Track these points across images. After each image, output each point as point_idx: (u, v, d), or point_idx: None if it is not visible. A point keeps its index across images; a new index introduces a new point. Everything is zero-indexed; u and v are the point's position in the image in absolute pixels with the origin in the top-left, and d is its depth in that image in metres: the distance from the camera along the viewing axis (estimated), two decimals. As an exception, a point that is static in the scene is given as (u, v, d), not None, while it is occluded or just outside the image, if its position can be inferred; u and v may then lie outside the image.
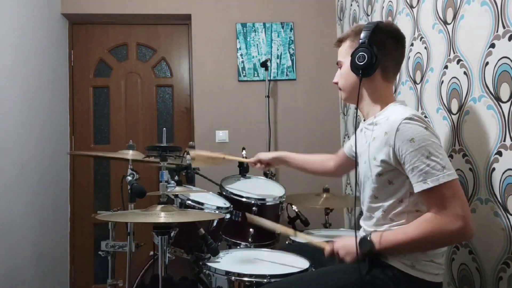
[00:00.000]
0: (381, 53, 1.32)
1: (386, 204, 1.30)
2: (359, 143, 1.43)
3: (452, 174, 1.17)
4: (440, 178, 1.15)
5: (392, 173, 1.27)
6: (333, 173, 1.88)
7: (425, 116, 1.89)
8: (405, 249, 1.25)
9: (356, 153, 1.38)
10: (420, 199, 1.25)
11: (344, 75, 1.43)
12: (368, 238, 1.27)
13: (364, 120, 1.47)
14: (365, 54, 1.30)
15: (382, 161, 1.26)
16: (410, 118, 1.21)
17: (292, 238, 1.95)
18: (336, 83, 1.48)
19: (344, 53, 1.42)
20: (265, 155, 2.00)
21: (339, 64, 1.46)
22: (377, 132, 1.32)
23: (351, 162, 1.74)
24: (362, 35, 1.33)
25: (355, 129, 1.46)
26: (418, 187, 1.19)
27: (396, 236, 1.24)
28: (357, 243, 1.26)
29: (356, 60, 1.32)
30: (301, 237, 1.65)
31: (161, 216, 1.33)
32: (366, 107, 1.42)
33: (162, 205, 1.40)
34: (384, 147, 1.26)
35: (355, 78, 1.37)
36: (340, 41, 1.46)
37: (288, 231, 1.68)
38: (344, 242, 1.35)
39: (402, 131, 1.21)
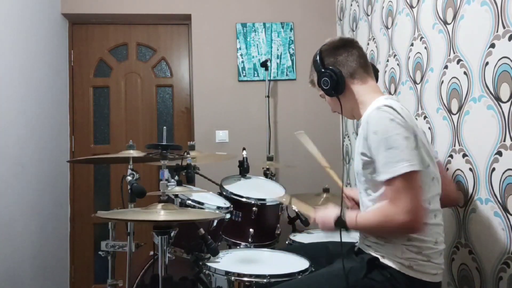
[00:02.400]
0: (337, 66, 1.40)
1: (376, 194, 1.32)
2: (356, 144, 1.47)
3: (408, 167, 1.18)
4: (396, 171, 1.19)
5: (373, 164, 1.29)
6: (454, 198, 1.64)
7: (425, 117, 1.89)
8: (368, 232, 1.35)
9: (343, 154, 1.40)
10: None
11: (331, 103, 1.51)
12: (343, 218, 1.34)
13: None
14: (325, 78, 1.40)
15: (362, 153, 1.31)
16: (378, 108, 1.25)
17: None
18: (335, 112, 1.54)
19: (317, 88, 1.49)
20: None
21: (322, 97, 1.54)
22: (360, 129, 1.36)
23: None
24: (314, 66, 1.45)
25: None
26: (379, 177, 1.24)
27: (361, 219, 1.31)
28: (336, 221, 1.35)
29: (324, 87, 1.41)
30: (294, 203, 1.68)
31: (161, 214, 1.32)
32: (356, 113, 1.46)
33: (163, 203, 1.40)
34: (362, 140, 1.31)
35: (337, 101, 1.44)
36: (311, 82, 1.55)
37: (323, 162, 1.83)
38: (324, 213, 1.41)
39: (370, 124, 1.26)
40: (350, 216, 1.33)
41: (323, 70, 1.41)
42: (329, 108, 1.54)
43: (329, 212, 1.39)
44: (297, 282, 1.40)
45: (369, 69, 1.46)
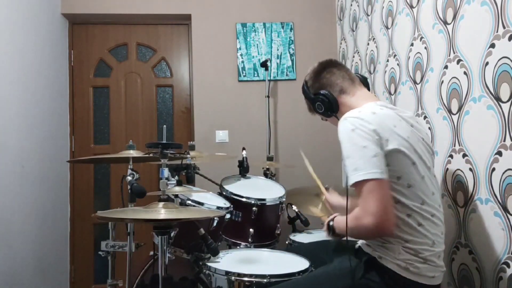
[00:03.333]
0: (326, 88, 1.49)
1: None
2: None
3: (363, 176, 1.23)
4: (351, 179, 1.26)
5: None
6: None
7: (425, 117, 1.89)
8: (349, 235, 1.36)
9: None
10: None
11: (333, 122, 1.54)
12: (331, 224, 1.45)
13: None
14: (318, 103, 1.50)
15: (343, 161, 1.36)
16: (344, 119, 1.32)
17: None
18: None
19: (315, 113, 1.59)
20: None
21: (324, 120, 1.62)
22: None
23: None
24: (304, 95, 1.56)
25: None
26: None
27: (341, 222, 1.37)
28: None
29: (319, 111, 1.51)
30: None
31: (162, 212, 1.32)
32: None
33: (163, 202, 1.40)
34: None
35: (335, 119, 1.50)
36: (309, 110, 1.64)
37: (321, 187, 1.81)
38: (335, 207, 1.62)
39: (339, 133, 1.33)
40: (337, 221, 1.43)
41: (313, 96, 1.51)
42: None
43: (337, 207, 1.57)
44: (296, 281, 1.40)
45: (356, 80, 1.52)
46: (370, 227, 1.22)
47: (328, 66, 1.53)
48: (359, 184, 1.24)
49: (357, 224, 1.26)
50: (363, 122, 1.27)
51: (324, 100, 1.47)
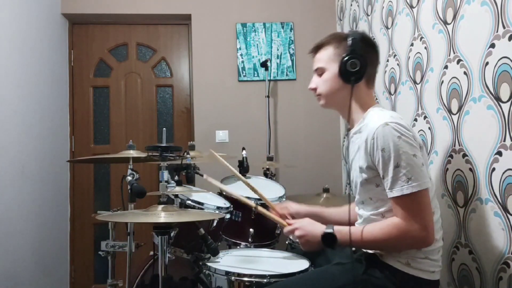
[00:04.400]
0: (367, 61, 1.35)
1: (379, 204, 1.32)
2: (351, 150, 1.45)
3: (417, 186, 1.20)
4: (404, 190, 1.20)
5: (378, 178, 1.29)
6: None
7: (425, 117, 1.89)
8: (367, 247, 1.32)
9: (348, 156, 1.39)
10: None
11: (328, 81, 1.42)
12: (332, 232, 1.29)
13: (349, 129, 1.49)
14: (356, 61, 1.32)
15: (367, 167, 1.29)
16: (385, 125, 1.23)
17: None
18: (313, 89, 1.48)
19: (327, 59, 1.42)
20: (297, 209, 1.65)
21: (319, 71, 1.45)
22: (360, 140, 1.34)
23: None
24: (351, 42, 1.34)
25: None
26: (389, 194, 1.24)
27: (363, 235, 1.27)
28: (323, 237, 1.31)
29: (349, 67, 1.33)
30: (262, 212, 1.55)
31: (161, 216, 1.33)
32: (352, 115, 1.43)
33: (163, 205, 1.40)
34: (365, 154, 1.29)
35: (340, 85, 1.38)
36: (318, 48, 1.47)
37: (249, 202, 1.61)
38: (306, 228, 1.37)
39: (376, 139, 1.23)
40: (341, 231, 1.30)
41: (360, 54, 1.33)
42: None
43: (311, 227, 1.36)
44: (297, 279, 1.40)
45: (375, 82, 1.47)
46: (421, 240, 1.21)
47: (379, 52, 1.44)
48: (411, 195, 1.19)
49: (402, 237, 1.21)
50: (404, 129, 1.23)
51: (361, 66, 1.33)
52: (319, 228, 1.34)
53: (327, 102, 1.47)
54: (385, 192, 1.26)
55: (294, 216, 1.61)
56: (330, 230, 1.30)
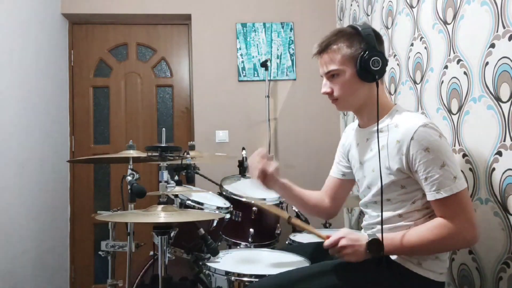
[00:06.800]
0: (385, 55, 1.30)
1: (398, 205, 1.29)
2: (362, 150, 1.42)
3: (463, 183, 1.19)
4: (453, 188, 1.17)
5: (406, 180, 1.26)
6: (329, 211, 1.66)
7: (425, 116, 1.89)
8: (415, 252, 1.25)
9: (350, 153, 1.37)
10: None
11: (346, 84, 1.32)
12: (378, 239, 1.21)
13: (359, 126, 1.45)
14: (379, 59, 1.25)
15: (397, 169, 1.25)
16: (424, 126, 1.20)
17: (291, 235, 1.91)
18: (329, 93, 1.37)
19: (342, 60, 1.31)
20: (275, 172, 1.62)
21: (332, 73, 1.33)
22: (386, 140, 1.29)
23: (345, 183, 1.63)
24: (369, 39, 1.27)
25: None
26: (431, 196, 1.20)
27: (410, 238, 1.21)
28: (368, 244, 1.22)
29: (371, 66, 1.25)
30: (297, 224, 1.46)
31: (161, 216, 1.33)
32: (367, 114, 1.38)
33: (163, 205, 1.40)
34: (397, 155, 1.25)
35: (359, 85, 1.31)
36: (325, 48, 1.36)
37: (283, 214, 1.55)
38: (351, 237, 1.24)
39: (417, 140, 1.19)
40: (386, 237, 1.21)
41: (379, 51, 1.27)
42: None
43: (355, 235, 1.26)
44: (309, 268, 1.36)
45: None
46: (471, 238, 1.19)
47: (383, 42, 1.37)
48: (458, 194, 1.17)
49: (455, 237, 1.18)
50: (438, 129, 1.23)
51: (383, 63, 1.26)
52: (362, 236, 1.26)
53: (345, 105, 1.40)
54: (412, 194, 1.25)
55: (270, 179, 1.57)
56: (375, 237, 1.22)
